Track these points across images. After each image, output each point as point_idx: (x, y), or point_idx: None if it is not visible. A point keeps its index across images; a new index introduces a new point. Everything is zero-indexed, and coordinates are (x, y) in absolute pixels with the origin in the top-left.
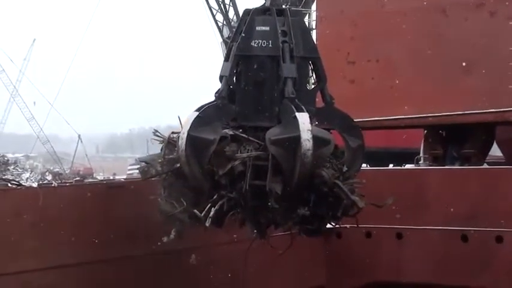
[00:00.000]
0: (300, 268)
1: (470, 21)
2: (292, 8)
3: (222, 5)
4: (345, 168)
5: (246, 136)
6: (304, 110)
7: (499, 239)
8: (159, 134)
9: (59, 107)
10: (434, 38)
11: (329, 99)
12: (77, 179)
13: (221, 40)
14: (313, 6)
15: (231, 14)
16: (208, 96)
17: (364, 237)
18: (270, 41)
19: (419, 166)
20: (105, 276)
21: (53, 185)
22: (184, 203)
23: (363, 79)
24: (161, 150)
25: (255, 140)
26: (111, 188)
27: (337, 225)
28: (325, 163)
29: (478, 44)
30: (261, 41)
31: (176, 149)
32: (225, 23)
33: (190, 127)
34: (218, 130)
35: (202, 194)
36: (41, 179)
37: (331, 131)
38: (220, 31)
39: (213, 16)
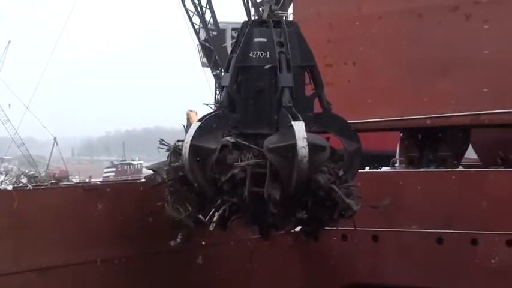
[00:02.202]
0: (278, 270)
1: (446, 24)
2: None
3: (198, 8)
4: (341, 172)
5: (247, 143)
6: (300, 118)
7: (474, 241)
8: (165, 143)
9: (34, 110)
10: (410, 41)
11: (326, 105)
12: (52, 181)
13: (198, 43)
14: (290, 9)
15: (208, 16)
16: (184, 100)
17: (340, 239)
18: (268, 52)
19: (395, 169)
20: (82, 278)
21: (28, 188)
22: (190, 209)
23: (339, 82)
24: (167, 158)
25: (255, 147)
26: (86, 190)
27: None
28: (322, 168)
29: (454, 47)
30: (259, 52)
31: (181, 157)
32: (201, 25)
33: (193, 137)
34: (219, 139)
35: (206, 199)
36: (16, 181)
37: (330, 135)
38: (197, 34)
39: (190, 19)
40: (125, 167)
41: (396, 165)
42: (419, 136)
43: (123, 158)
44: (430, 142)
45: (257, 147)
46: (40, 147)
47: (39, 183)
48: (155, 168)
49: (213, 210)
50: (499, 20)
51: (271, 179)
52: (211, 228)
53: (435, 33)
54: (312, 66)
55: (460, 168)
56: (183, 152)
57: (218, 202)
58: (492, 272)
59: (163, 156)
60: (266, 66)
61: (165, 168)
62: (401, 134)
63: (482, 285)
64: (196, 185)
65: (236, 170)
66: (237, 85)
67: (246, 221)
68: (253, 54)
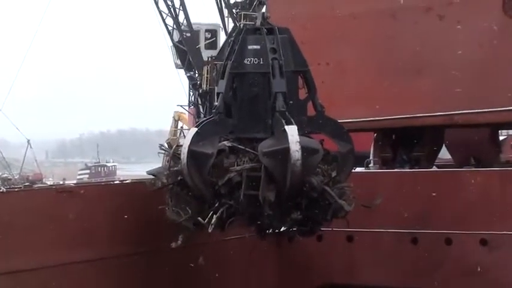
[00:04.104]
0: (253, 271)
1: (420, 25)
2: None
3: (172, 9)
4: (334, 174)
5: (243, 147)
6: (294, 122)
7: (448, 241)
8: (164, 148)
9: (8, 112)
10: (384, 42)
11: (320, 108)
12: (26, 184)
13: (171, 44)
14: (263, 9)
15: (181, 18)
16: (158, 101)
17: (315, 240)
18: (261, 59)
19: (369, 169)
20: (55, 280)
21: (1, 190)
22: (189, 211)
23: None
24: (167, 162)
25: (251, 151)
26: (60, 192)
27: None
28: (315, 170)
29: (428, 48)
30: (253, 58)
31: (180, 162)
32: (175, 27)
33: (190, 142)
34: (216, 144)
35: (205, 202)
36: None
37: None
38: (171, 35)
39: (163, 20)
40: (99, 169)
41: (370, 165)
42: (393, 136)
43: (97, 160)
44: (404, 142)
45: (253, 151)
46: (14, 150)
47: (12, 186)
48: (155, 173)
49: (211, 212)
50: (472, 20)
51: (266, 181)
52: (210, 230)
53: (409, 34)
54: (305, 71)
55: (434, 169)
56: (182, 157)
57: (216, 205)
58: (466, 271)
59: (139, 158)
60: None
61: (165, 172)
62: (375, 135)
63: (457, 284)
64: (194, 188)
65: (232, 174)
66: (232, 91)
67: (243, 222)
68: (247, 61)
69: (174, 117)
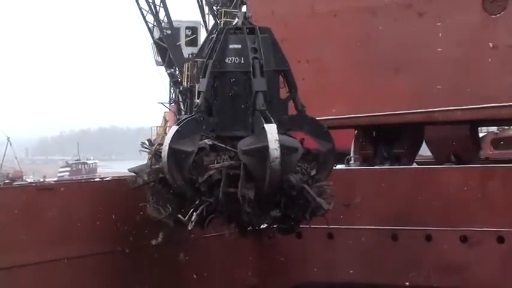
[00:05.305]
0: (232, 268)
1: (400, 22)
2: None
3: (152, 6)
4: (313, 172)
5: (224, 146)
6: (273, 121)
7: (428, 237)
8: (146, 146)
9: None
10: (364, 39)
11: (301, 107)
12: (6, 181)
13: (152, 41)
14: (244, 8)
15: (162, 15)
16: (138, 99)
17: (294, 237)
18: (242, 58)
19: (349, 166)
20: (35, 278)
21: None
22: (170, 209)
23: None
24: (149, 160)
25: (232, 149)
26: (40, 190)
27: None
28: (294, 168)
29: (407, 45)
30: (234, 57)
31: (161, 160)
32: (155, 24)
33: (171, 140)
34: (196, 142)
35: (185, 200)
36: None
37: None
38: (151, 32)
39: (144, 17)
40: (80, 166)
41: (351, 162)
42: (374, 133)
43: (78, 158)
44: (384, 139)
45: (233, 149)
46: None
47: None
48: (137, 171)
49: (191, 210)
50: (452, 17)
51: (245, 179)
52: (189, 228)
53: (389, 31)
54: (286, 70)
55: (414, 165)
56: (162, 154)
57: (196, 202)
58: (446, 267)
59: (119, 155)
60: None
61: (147, 170)
62: (356, 132)
63: (437, 280)
64: (175, 186)
65: (212, 172)
66: (213, 90)
67: (223, 219)
68: (228, 60)
69: (164, 117)
